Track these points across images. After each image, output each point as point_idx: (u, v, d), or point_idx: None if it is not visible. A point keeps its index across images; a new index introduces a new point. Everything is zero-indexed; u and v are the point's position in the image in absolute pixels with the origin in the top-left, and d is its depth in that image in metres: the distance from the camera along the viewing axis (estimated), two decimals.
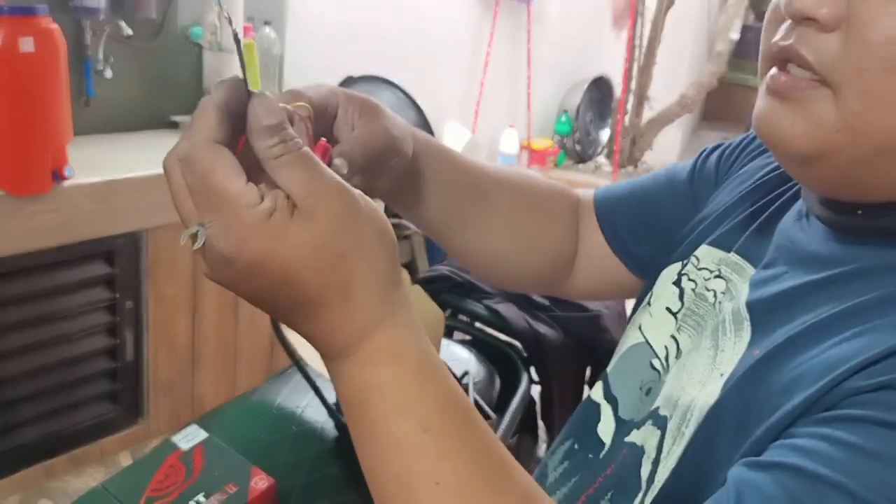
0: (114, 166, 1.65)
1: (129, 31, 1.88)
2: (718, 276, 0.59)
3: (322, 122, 0.54)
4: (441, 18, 3.04)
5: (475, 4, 3.19)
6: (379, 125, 0.56)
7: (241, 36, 0.43)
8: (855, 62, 0.42)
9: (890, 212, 0.46)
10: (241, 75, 0.43)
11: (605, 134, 4.04)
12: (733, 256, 0.59)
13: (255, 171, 0.41)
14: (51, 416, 1.66)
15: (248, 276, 0.41)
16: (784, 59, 0.46)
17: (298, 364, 1.09)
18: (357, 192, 0.43)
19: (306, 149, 0.41)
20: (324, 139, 0.52)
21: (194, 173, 0.41)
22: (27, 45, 1.37)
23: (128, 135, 1.97)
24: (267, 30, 2.21)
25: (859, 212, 0.47)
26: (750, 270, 0.56)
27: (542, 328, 1.33)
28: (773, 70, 0.46)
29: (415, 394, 0.42)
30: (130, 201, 1.63)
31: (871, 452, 0.36)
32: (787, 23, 0.46)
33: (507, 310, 1.36)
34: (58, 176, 1.48)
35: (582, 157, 3.91)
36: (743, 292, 0.54)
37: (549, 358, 1.34)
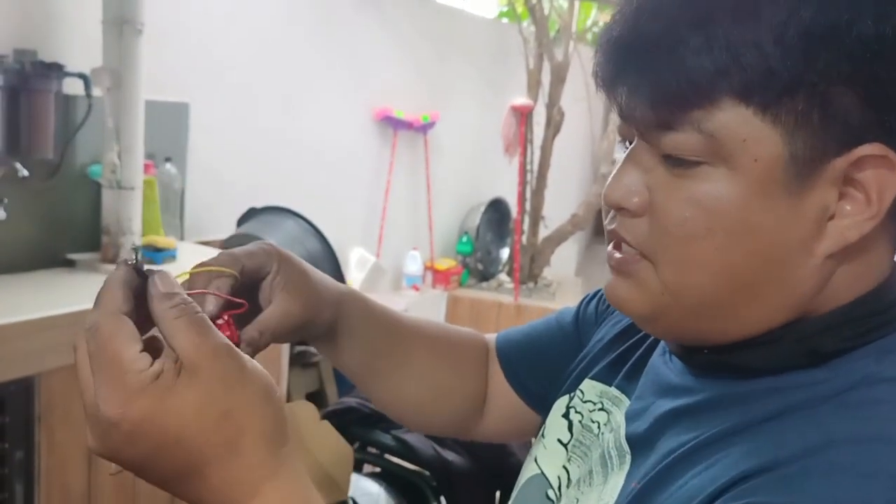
0: (5, 309, 1.60)
1: (25, 172, 1.87)
2: (601, 409, 0.65)
3: (253, 280, 0.60)
4: (342, 149, 3.15)
5: (374, 135, 3.33)
6: (295, 304, 0.62)
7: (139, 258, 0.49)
8: (660, 239, 0.51)
9: (729, 350, 0.53)
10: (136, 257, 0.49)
11: (504, 252, 4.18)
12: (613, 390, 0.65)
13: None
14: None
15: (133, 439, 0.43)
16: (613, 239, 0.54)
17: None
18: (244, 355, 0.46)
19: (201, 314, 0.46)
20: (227, 316, 0.56)
21: (96, 340, 0.44)
22: None
23: (22, 275, 1.91)
24: (168, 166, 2.24)
25: (705, 351, 0.54)
26: (626, 403, 0.62)
27: (451, 455, 1.35)
28: (610, 248, 0.55)
29: None
30: (22, 345, 1.58)
31: None
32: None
33: (415, 439, 1.37)
34: None
35: (484, 276, 4.02)
36: (621, 424, 0.60)
37: (458, 485, 1.35)
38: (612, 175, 0.53)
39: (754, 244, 0.48)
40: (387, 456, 1.44)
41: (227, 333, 0.54)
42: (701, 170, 0.48)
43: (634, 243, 0.52)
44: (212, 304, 0.55)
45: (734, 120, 0.46)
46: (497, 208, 4.09)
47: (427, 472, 1.36)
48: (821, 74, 0.45)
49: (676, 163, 0.49)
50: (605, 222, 0.55)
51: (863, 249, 0.49)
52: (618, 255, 0.54)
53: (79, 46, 1.98)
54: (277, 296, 0.61)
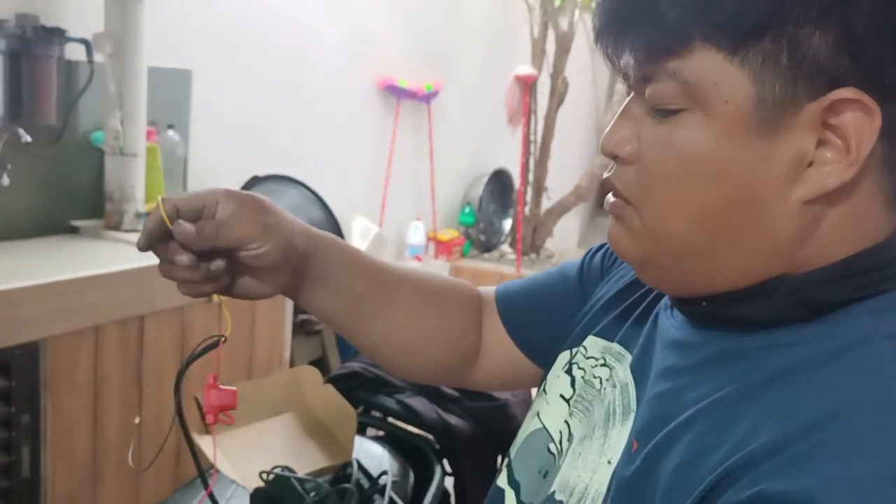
0: (10, 274, 1.60)
1: (28, 138, 1.86)
2: (603, 365, 0.65)
3: (204, 218, 0.62)
4: (345, 118, 3.14)
5: (377, 104, 3.31)
6: (242, 210, 0.63)
7: None
8: (643, 185, 0.53)
9: (726, 301, 0.53)
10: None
11: (507, 224, 4.18)
12: (616, 346, 0.65)
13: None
14: None
15: None
16: (608, 187, 0.57)
17: (203, 477, 1.07)
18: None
19: None
20: (212, 378, 0.65)
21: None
22: None
23: (26, 241, 1.92)
24: (170, 133, 2.23)
25: (704, 303, 0.55)
26: (629, 357, 0.62)
27: (453, 419, 1.36)
28: (608, 195, 0.57)
29: None
30: (28, 310, 1.58)
31: None
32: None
33: (418, 403, 1.39)
34: None
35: (487, 247, 4.02)
36: (628, 380, 0.60)
37: (461, 449, 1.36)
38: (608, 126, 0.55)
39: (727, 187, 0.49)
40: (390, 419, 1.46)
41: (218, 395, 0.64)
42: (680, 116, 0.50)
43: (623, 190, 0.55)
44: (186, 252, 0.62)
45: (706, 64, 0.48)
46: (500, 179, 4.08)
47: (430, 436, 1.38)
48: (788, 18, 0.46)
49: (661, 112, 0.51)
50: (605, 172, 0.57)
51: (849, 201, 0.49)
52: (611, 199, 0.57)
53: (81, 11, 1.97)
54: (224, 212, 0.62)
